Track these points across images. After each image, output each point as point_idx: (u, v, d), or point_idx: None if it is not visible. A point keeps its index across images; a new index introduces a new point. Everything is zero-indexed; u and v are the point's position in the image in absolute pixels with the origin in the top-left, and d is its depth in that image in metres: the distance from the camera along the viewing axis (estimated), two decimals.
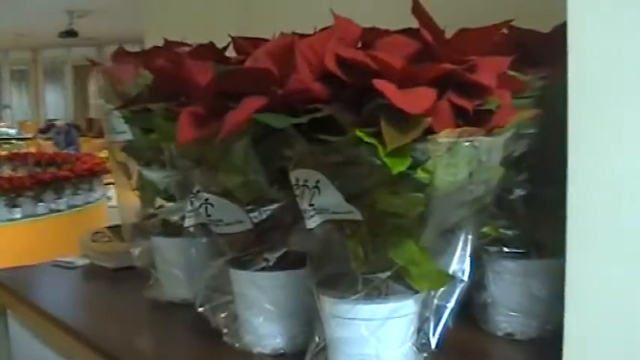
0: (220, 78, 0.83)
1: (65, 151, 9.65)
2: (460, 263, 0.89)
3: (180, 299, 1.25)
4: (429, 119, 0.72)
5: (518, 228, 1.03)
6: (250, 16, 1.82)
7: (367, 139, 0.70)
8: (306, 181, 0.81)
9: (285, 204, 0.96)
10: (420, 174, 0.75)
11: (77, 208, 5.78)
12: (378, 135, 0.72)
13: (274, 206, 0.96)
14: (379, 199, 0.78)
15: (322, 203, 0.81)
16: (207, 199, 0.95)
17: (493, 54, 0.84)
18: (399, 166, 0.71)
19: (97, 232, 1.71)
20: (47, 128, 13.29)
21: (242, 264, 1.00)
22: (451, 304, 0.89)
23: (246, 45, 0.98)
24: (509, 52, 0.86)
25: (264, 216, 0.96)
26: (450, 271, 0.88)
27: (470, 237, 0.88)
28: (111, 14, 9.54)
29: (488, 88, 0.79)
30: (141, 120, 1.05)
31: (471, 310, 1.06)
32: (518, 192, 1.01)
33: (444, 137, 0.74)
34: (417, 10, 0.80)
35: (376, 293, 0.85)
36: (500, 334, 1.05)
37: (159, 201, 1.29)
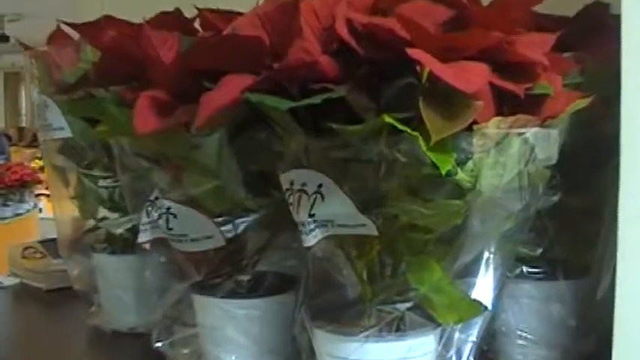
0: (192, 52, 0.64)
1: None
2: (484, 287, 0.72)
3: (128, 328, 1.07)
4: (479, 103, 0.54)
5: (540, 245, 0.87)
6: None
7: (402, 128, 0.52)
8: (304, 185, 0.63)
9: (264, 215, 0.79)
10: (461, 175, 0.57)
11: (6, 221, 5.50)
12: (413, 123, 0.54)
13: (252, 218, 0.78)
14: (404, 210, 0.59)
15: (326, 213, 0.62)
16: (168, 209, 0.76)
17: (533, 30, 0.67)
18: (446, 164, 0.53)
19: (28, 247, 1.53)
20: None
21: (210, 289, 0.81)
22: (475, 338, 0.73)
23: (215, 19, 0.79)
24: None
25: (239, 230, 0.78)
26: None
27: (494, 256, 0.71)
28: (43, 19, 9.18)
29: (540, 68, 0.61)
30: (85, 109, 0.84)
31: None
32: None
33: (494, 128, 0.57)
34: None
35: (387, 328, 0.67)
36: None
37: (102, 212, 1.10)
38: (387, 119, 0.53)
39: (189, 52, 0.65)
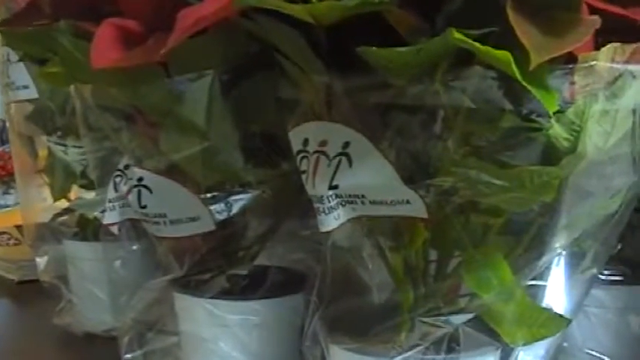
0: None
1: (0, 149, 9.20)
2: (555, 295, 0.54)
3: (103, 330, 0.90)
4: (595, 18, 0.36)
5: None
6: None
7: (482, 48, 0.34)
8: (323, 143, 0.45)
9: (267, 192, 0.61)
10: (556, 130, 0.38)
11: (8, 208, 5.38)
12: (491, 43, 0.35)
13: (251, 195, 0.60)
14: (468, 179, 0.41)
15: (354, 185, 0.44)
16: (140, 180, 0.58)
17: None
18: (552, 101, 0.34)
19: (1, 233, 1.38)
20: None
21: (196, 287, 0.64)
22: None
23: None
24: None
25: (233, 210, 0.60)
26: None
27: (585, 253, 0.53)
28: None
29: None
30: (26, 43, 0.65)
31: None
32: None
33: (605, 60, 0.38)
34: None
35: (434, 347, 0.49)
36: None
37: (75, 190, 0.95)
38: (457, 35, 0.34)
39: None
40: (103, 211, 0.69)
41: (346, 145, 0.44)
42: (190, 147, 0.56)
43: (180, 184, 0.58)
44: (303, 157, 0.47)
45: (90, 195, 0.92)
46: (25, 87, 0.87)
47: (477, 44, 0.34)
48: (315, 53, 0.43)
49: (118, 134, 0.61)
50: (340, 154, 0.44)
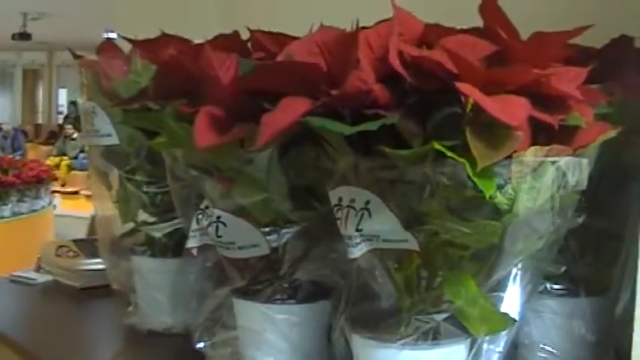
0: (252, 73, 0.69)
1: (11, 156, 9.34)
2: (511, 301, 0.76)
3: (163, 328, 1.11)
4: (520, 133, 0.59)
5: (563, 263, 0.91)
6: (230, 12, 1.66)
7: (450, 154, 0.57)
8: (352, 201, 0.68)
9: (305, 226, 0.83)
10: (500, 198, 0.62)
11: (22, 216, 5.54)
12: (457, 149, 0.59)
13: (296, 228, 0.82)
14: (445, 227, 0.64)
15: (372, 229, 0.67)
16: (219, 217, 0.81)
17: (566, 63, 0.72)
18: (490, 189, 0.58)
19: (61, 246, 1.56)
20: None
21: (252, 294, 0.86)
22: (501, 349, 0.77)
23: (265, 40, 0.84)
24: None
25: (284, 239, 0.82)
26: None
27: (522, 272, 0.75)
28: (65, 18, 9.27)
29: (573, 101, 0.66)
30: (140, 120, 0.89)
31: None
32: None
33: (531, 156, 0.62)
34: (489, 6, 0.68)
35: (423, 337, 0.72)
36: None
37: (141, 215, 1.14)
38: (437, 146, 0.58)
39: (250, 74, 0.70)
40: (175, 236, 0.89)
41: (367, 203, 0.67)
42: (255, 195, 0.79)
43: (246, 220, 0.81)
44: (338, 209, 0.70)
45: (153, 220, 1.13)
46: (109, 135, 1.08)
47: (448, 151, 0.58)
48: (348, 143, 0.67)
49: (199, 183, 0.83)
50: (363, 208, 0.67)
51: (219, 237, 0.82)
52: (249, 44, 0.86)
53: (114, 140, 1.08)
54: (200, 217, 0.84)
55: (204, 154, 0.79)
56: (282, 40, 0.80)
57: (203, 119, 0.73)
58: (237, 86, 0.72)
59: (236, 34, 0.85)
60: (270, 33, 0.84)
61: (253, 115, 0.69)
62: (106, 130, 1.09)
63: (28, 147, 11.85)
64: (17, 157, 9.02)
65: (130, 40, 1.00)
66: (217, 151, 0.76)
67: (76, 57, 1.15)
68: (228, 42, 0.82)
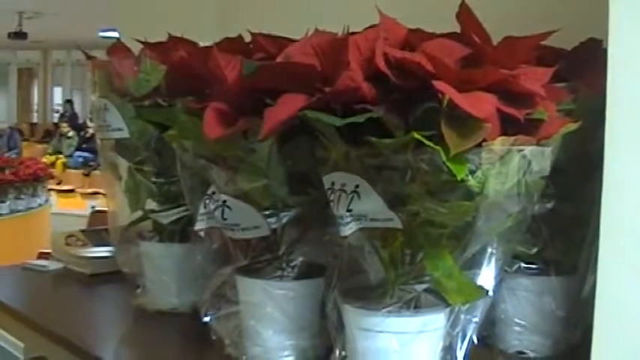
0: (256, 73, 0.78)
1: (7, 155, 9.40)
2: (486, 277, 0.86)
3: (170, 308, 1.20)
4: (488, 125, 0.69)
5: (536, 245, 1.00)
6: (227, 15, 1.75)
7: (427, 143, 0.67)
8: (343, 185, 0.77)
9: (300, 211, 0.92)
10: (471, 182, 0.71)
11: (19, 214, 5.61)
12: (434, 139, 0.68)
13: (293, 212, 0.92)
14: (424, 208, 0.74)
15: (361, 209, 0.77)
16: (224, 202, 0.90)
17: (535, 64, 0.81)
18: (461, 172, 0.67)
19: (70, 236, 1.64)
20: None
21: (254, 272, 0.95)
22: (477, 319, 0.86)
23: (266, 43, 0.93)
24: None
25: (282, 222, 0.91)
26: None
27: (495, 251, 0.84)
28: (61, 17, 9.34)
29: (538, 97, 0.76)
30: (153, 115, 0.99)
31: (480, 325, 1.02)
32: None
33: (499, 145, 0.71)
34: (465, 14, 0.77)
35: (406, 305, 0.81)
36: (511, 351, 1.02)
37: (148, 204, 1.24)
38: (416, 136, 0.67)
39: (253, 74, 0.79)
40: (182, 223, 0.97)
41: (357, 186, 0.77)
42: (257, 181, 0.88)
43: (249, 204, 0.90)
44: (331, 192, 0.79)
45: (160, 208, 1.22)
46: (120, 129, 1.17)
47: (425, 140, 0.67)
48: (340, 134, 0.76)
49: (207, 172, 0.93)
50: (353, 191, 0.77)
51: (225, 219, 0.91)
52: (250, 46, 0.95)
53: (125, 134, 1.17)
54: (207, 201, 0.94)
55: (212, 145, 0.87)
56: (281, 42, 0.89)
57: (211, 113, 0.82)
58: (241, 84, 0.81)
59: (240, 37, 0.94)
60: (270, 36, 0.94)
61: (256, 109, 0.78)
62: (117, 125, 1.17)
63: (24, 145, 11.92)
64: (13, 156, 9.10)
65: (141, 42, 1.10)
66: (223, 141, 0.85)
67: (89, 57, 1.24)
68: (233, 44, 0.91)
